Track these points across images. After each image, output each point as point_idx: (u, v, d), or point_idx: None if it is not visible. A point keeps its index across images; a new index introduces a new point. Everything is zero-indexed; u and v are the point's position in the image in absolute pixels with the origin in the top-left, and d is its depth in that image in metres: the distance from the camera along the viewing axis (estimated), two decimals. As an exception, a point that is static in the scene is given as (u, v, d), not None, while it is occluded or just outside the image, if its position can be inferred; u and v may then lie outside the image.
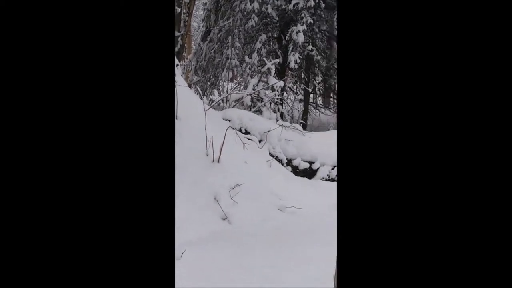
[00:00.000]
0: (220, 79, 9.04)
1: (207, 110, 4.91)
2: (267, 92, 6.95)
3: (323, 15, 9.13)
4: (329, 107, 9.92)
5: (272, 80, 6.25)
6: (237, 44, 8.48)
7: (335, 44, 9.69)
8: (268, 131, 5.69)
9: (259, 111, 6.71)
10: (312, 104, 9.79)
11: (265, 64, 6.94)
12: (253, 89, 6.72)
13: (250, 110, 6.73)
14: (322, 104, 10.38)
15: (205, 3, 10.22)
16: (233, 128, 5.47)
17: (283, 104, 8.27)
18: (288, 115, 9.04)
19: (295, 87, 9.78)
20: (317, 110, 9.60)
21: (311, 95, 10.12)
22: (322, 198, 4.98)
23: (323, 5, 8.67)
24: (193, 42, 14.51)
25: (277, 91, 6.45)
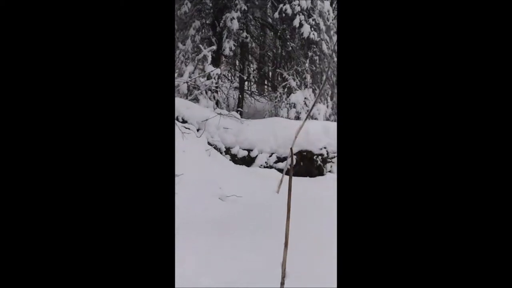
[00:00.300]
0: (154, 67, 8.76)
1: (142, 99, 4.75)
2: (202, 79, 6.86)
3: (257, 2, 9.12)
4: (264, 94, 10.01)
5: (209, 68, 6.18)
6: (170, 31, 8.27)
7: (268, 31, 9.75)
8: (206, 120, 5.64)
9: (196, 99, 6.61)
10: (247, 91, 9.82)
11: (201, 51, 6.84)
12: (189, 77, 6.59)
13: (187, 98, 6.61)
14: (257, 91, 10.45)
15: (135, -13, 9.77)
16: (170, 117, 5.36)
17: (219, 92, 8.23)
18: (224, 103, 9.01)
19: (229, 74, 9.75)
20: (252, 98, 9.65)
21: (246, 83, 10.15)
22: (262, 186, 5.05)
23: (256, -8, 8.69)
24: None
25: (214, 78, 6.39)
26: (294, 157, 5.65)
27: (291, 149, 2.45)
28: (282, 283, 2.50)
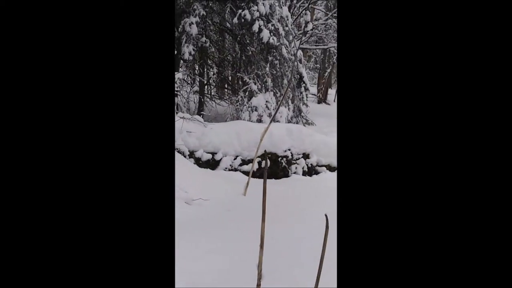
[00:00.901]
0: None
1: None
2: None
3: (215, 8, 9.13)
4: (225, 98, 10.01)
5: (170, 72, 6.13)
6: (128, 35, 8.11)
7: (227, 36, 9.77)
8: (169, 124, 5.56)
9: (157, 104, 6.51)
10: (207, 95, 9.79)
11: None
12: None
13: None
14: (217, 95, 10.43)
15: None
16: (132, 122, 5.24)
17: (179, 96, 8.15)
18: (184, 106, 8.93)
19: (189, 78, 9.68)
20: (213, 101, 9.62)
21: (206, 87, 10.11)
22: (228, 189, 5.04)
23: (215, -3, 8.69)
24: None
25: (176, 83, 6.34)
26: (258, 159, 5.68)
27: (265, 151, 2.48)
28: (259, 285, 2.51)
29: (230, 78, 10.14)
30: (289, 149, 6.00)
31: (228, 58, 9.63)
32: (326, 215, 2.24)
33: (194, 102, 9.30)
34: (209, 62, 9.87)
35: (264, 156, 2.31)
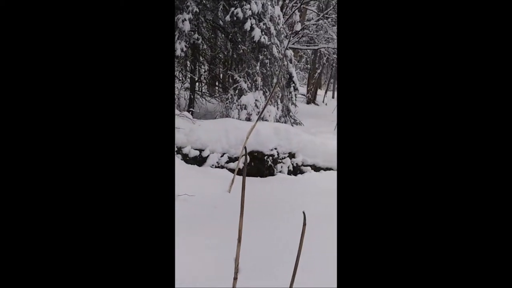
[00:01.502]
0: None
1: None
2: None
3: (208, 5, 9.18)
4: (215, 95, 10.07)
5: (161, 68, 6.17)
6: (120, 29, 8.11)
7: (220, 34, 9.82)
8: (158, 120, 5.61)
9: (146, 99, 6.55)
10: (198, 92, 9.84)
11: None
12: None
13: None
14: (208, 92, 10.48)
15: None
16: (121, 116, 5.28)
17: (169, 92, 8.20)
18: (175, 103, 8.98)
19: (180, 75, 9.72)
20: (203, 99, 9.67)
21: (197, 84, 10.16)
22: (213, 185, 5.12)
23: (208, -5, 8.74)
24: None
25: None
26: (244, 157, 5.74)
27: (244, 147, 2.53)
28: (235, 278, 2.60)
29: (221, 75, 10.20)
30: (275, 148, 6.09)
31: (220, 55, 9.69)
32: (303, 213, 2.33)
33: (185, 99, 9.35)
34: (201, 59, 9.91)
35: (244, 151, 2.38)
